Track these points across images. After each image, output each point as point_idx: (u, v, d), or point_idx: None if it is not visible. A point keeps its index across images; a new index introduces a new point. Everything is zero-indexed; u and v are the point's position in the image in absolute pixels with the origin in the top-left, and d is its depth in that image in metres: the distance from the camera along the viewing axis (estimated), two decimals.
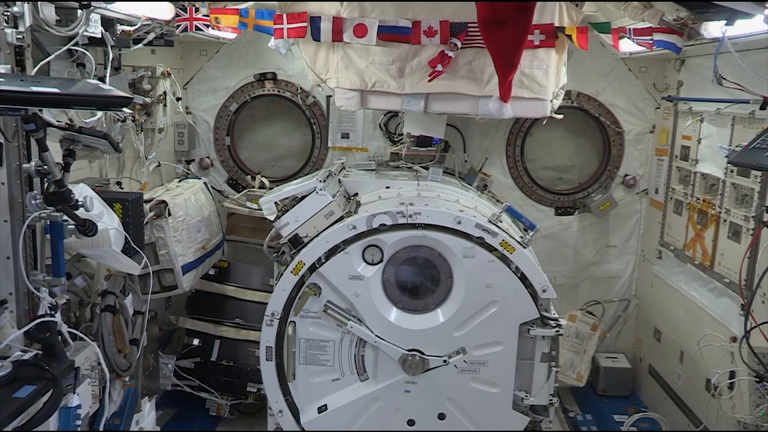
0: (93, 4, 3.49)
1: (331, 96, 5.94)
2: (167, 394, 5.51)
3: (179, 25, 4.73)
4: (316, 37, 4.54)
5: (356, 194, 4.75)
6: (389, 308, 4.19)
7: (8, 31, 2.94)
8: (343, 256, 4.08)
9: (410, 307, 4.22)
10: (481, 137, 6.37)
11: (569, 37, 4.42)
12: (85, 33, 3.53)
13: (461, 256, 4.06)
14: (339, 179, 4.79)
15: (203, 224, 5.26)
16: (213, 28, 4.79)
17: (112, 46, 3.85)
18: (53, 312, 3.04)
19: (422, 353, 4.13)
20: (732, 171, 4.66)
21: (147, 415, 4.24)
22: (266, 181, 6.39)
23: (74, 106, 3.17)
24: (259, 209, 4.71)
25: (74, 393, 3.04)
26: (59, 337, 3.06)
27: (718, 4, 3.42)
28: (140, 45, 4.56)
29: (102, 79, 3.90)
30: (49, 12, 3.22)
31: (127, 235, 3.73)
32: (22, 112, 2.57)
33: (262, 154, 6.75)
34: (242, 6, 4.57)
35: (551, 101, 4.73)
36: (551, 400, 4.21)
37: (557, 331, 4.08)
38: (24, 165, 3.05)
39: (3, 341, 2.87)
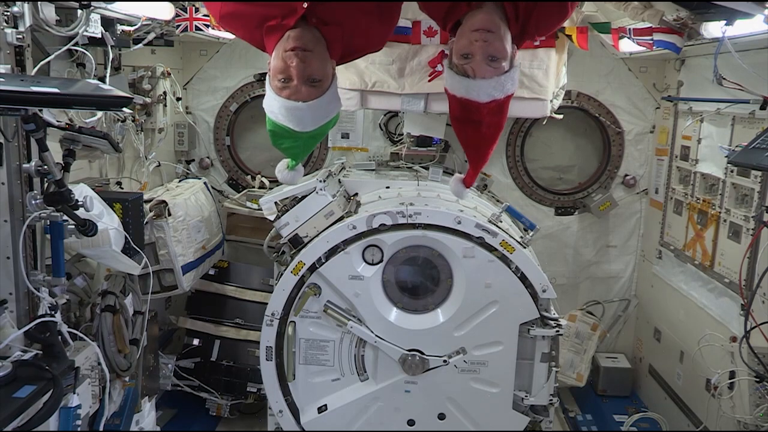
0: (93, 4, 3.49)
1: None
2: (167, 394, 5.51)
3: (179, 25, 4.73)
4: None
5: (356, 194, 4.75)
6: (389, 308, 4.19)
7: (8, 31, 2.93)
8: (343, 256, 4.08)
9: (410, 307, 4.22)
10: None
11: (569, 37, 4.42)
12: (85, 33, 3.53)
13: (461, 256, 4.06)
14: (339, 179, 4.79)
15: (203, 224, 5.26)
16: (213, 28, 4.79)
17: (112, 46, 3.85)
18: (53, 312, 3.04)
19: (422, 353, 4.13)
20: (732, 171, 4.65)
21: (147, 415, 4.24)
22: (266, 181, 6.39)
23: (74, 106, 3.17)
24: (259, 209, 4.71)
25: (74, 393, 3.03)
26: (59, 337, 3.06)
27: (718, 4, 3.42)
28: (140, 45, 4.56)
29: (102, 79, 3.91)
30: (49, 12, 3.21)
31: (127, 235, 3.73)
32: (22, 112, 2.57)
33: (262, 154, 6.75)
34: None
35: (551, 101, 4.73)
36: (551, 400, 4.21)
37: (557, 331, 4.08)
38: (24, 165, 3.04)
39: (3, 341, 2.87)
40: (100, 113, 4.13)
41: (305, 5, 2.50)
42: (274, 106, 2.65)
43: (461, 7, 2.59)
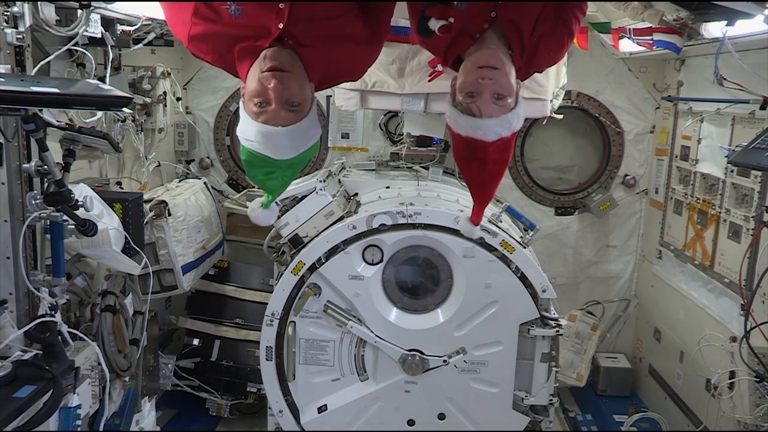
0: (93, 4, 3.48)
1: (331, 96, 5.94)
2: (167, 394, 5.51)
3: None
4: None
5: (356, 194, 4.75)
6: (389, 308, 4.19)
7: (8, 31, 2.93)
8: (343, 256, 4.08)
9: (410, 307, 4.22)
10: None
11: None
12: (85, 33, 3.52)
13: (461, 256, 4.06)
14: (339, 179, 4.79)
15: (203, 224, 5.26)
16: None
17: (112, 46, 3.84)
18: (53, 312, 3.04)
19: (422, 353, 4.13)
20: (732, 171, 4.66)
21: (147, 415, 4.23)
22: None
23: (74, 106, 3.17)
24: None
25: (74, 393, 3.03)
26: (59, 337, 3.06)
27: (718, 4, 3.42)
28: (140, 45, 4.55)
29: (102, 79, 3.90)
30: (49, 12, 3.21)
31: (127, 235, 3.73)
32: (22, 112, 2.57)
33: None
34: None
35: (551, 101, 4.73)
36: (551, 400, 4.21)
37: (557, 331, 4.08)
38: (24, 165, 3.04)
39: (3, 341, 2.87)
40: (100, 113, 4.13)
41: (281, 26, 2.36)
42: (250, 133, 2.46)
43: (463, 41, 2.47)
